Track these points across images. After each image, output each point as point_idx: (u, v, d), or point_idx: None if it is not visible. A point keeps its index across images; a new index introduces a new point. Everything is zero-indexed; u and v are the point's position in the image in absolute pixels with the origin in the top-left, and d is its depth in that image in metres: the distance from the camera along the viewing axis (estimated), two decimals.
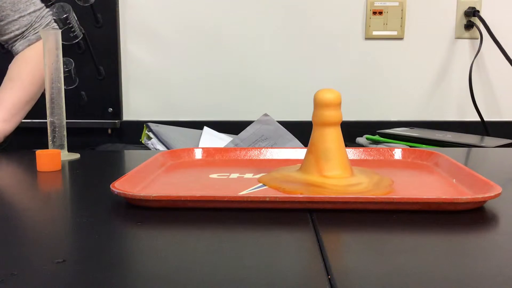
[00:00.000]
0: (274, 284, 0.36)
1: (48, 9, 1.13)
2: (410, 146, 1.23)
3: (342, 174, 0.62)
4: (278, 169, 0.69)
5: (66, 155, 0.85)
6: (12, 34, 1.07)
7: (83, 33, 1.49)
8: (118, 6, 1.56)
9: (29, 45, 1.09)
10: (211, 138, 1.34)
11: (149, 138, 1.30)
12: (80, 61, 1.53)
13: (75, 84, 1.51)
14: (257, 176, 0.67)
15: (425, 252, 0.43)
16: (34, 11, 1.08)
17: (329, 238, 0.46)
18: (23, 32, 1.08)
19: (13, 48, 1.09)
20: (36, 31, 1.09)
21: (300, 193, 0.58)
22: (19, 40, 1.08)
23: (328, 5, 1.56)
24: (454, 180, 0.63)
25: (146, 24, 1.58)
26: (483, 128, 1.53)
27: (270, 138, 1.24)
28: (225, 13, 1.57)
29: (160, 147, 1.26)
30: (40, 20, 1.10)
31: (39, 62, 1.06)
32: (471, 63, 1.54)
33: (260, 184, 0.63)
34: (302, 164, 0.65)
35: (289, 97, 1.59)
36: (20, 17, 1.06)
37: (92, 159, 0.89)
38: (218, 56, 1.58)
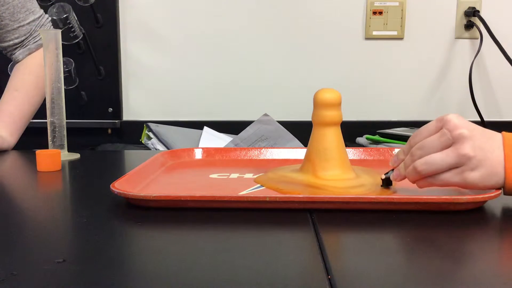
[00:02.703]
0: (274, 284, 0.36)
1: (47, 15, 1.13)
2: None
3: (342, 174, 0.62)
4: (273, 170, 0.69)
5: (66, 155, 0.85)
6: (11, 43, 1.08)
7: (83, 33, 1.49)
8: (118, 6, 1.56)
9: (29, 53, 1.09)
10: (211, 138, 1.34)
11: (149, 138, 1.30)
12: (80, 61, 1.53)
13: (75, 84, 1.51)
14: (256, 176, 0.67)
15: (425, 252, 0.43)
16: (34, 20, 1.08)
17: (329, 238, 0.46)
18: (23, 41, 1.08)
19: (13, 56, 1.09)
20: (36, 40, 1.09)
21: (298, 193, 0.58)
22: (18, 48, 1.08)
23: (328, 5, 1.56)
24: None
25: (146, 24, 1.58)
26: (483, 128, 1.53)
27: (270, 138, 1.24)
28: (225, 13, 1.57)
29: (160, 147, 1.26)
30: (40, 28, 1.10)
31: (42, 72, 1.07)
32: (471, 63, 1.54)
33: (258, 185, 0.63)
34: (302, 164, 0.65)
35: (289, 97, 1.59)
36: (19, 26, 1.06)
37: (92, 159, 0.89)
38: (218, 56, 1.58)
